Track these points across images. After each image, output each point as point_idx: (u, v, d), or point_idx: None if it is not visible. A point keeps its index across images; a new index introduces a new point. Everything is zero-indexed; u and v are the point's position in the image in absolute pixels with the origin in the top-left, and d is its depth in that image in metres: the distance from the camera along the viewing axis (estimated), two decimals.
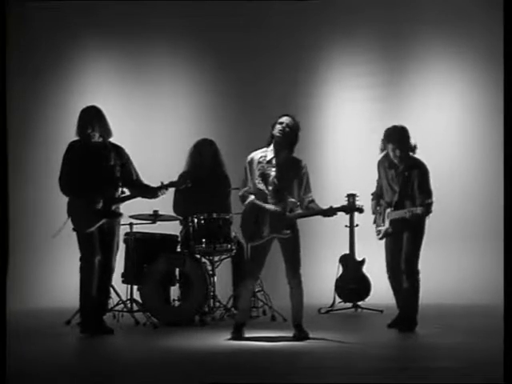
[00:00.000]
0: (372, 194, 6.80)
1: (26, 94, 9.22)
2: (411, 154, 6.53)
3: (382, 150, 6.61)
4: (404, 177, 6.51)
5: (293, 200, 5.95)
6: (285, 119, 5.98)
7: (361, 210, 6.09)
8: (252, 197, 5.99)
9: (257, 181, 5.98)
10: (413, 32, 9.32)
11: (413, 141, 6.53)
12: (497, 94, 8.03)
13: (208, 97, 9.39)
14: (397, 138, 6.49)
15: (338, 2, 9.39)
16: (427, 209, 6.31)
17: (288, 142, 5.97)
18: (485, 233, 8.98)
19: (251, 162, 6.03)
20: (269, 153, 6.02)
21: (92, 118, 6.36)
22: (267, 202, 5.94)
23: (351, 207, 6.14)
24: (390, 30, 9.35)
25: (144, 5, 9.23)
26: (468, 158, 9.31)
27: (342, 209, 6.02)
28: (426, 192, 6.45)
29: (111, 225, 6.43)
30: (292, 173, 5.98)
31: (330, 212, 5.95)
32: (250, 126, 8.91)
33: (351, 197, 7.24)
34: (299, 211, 5.98)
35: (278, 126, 5.95)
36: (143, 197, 6.57)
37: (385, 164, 6.64)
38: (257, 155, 6.04)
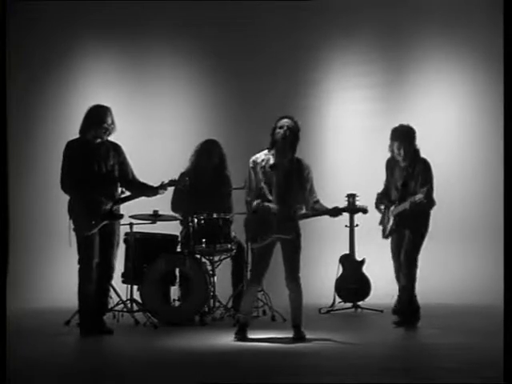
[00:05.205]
0: (377, 194, 6.80)
1: (26, 94, 9.22)
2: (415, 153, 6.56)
3: (391, 150, 6.61)
4: (408, 173, 6.52)
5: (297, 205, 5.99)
6: (285, 122, 5.95)
7: (365, 211, 6.08)
8: (258, 201, 5.98)
9: (261, 185, 5.98)
10: (413, 32, 9.31)
11: (417, 143, 6.54)
12: (497, 94, 8.04)
13: (208, 96, 9.39)
14: (402, 137, 6.51)
15: (338, 2, 9.39)
16: (426, 196, 6.29)
17: (290, 144, 5.96)
18: (485, 233, 8.97)
19: (254, 165, 6.01)
20: (271, 156, 6.00)
21: (104, 117, 6.33)
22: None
23: (356, 208, 6.15)
24: (390, 29, 9.34)
25: (144, 5, 9.23)
26: (468, 158, 9.29)
27: (347, 209, 6.05)
28: (428, 183, 6.45)
29: (111, 225, 6.42)
30: (295, 176, 5.97)
31: (335, 212, 5.96)
32: (250, 126, 8.90)
33: (351, 197, 7.27)
34: (304, 212, 5.99)
35: (279, 131, 5.93)
36: (143, 195, 6.57)
37: (391, 163, 6.66)
38: (259, 158, 6.02)
